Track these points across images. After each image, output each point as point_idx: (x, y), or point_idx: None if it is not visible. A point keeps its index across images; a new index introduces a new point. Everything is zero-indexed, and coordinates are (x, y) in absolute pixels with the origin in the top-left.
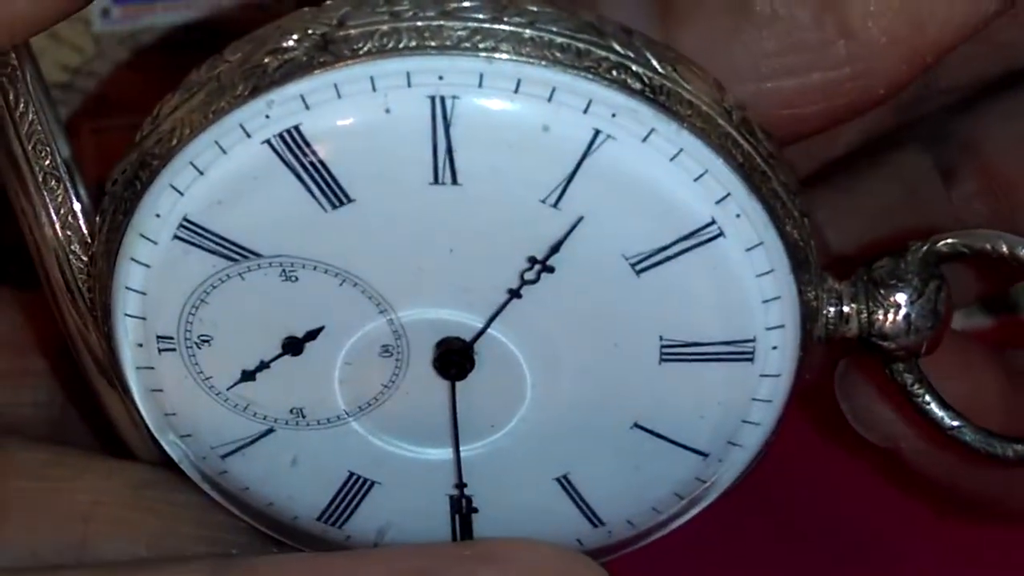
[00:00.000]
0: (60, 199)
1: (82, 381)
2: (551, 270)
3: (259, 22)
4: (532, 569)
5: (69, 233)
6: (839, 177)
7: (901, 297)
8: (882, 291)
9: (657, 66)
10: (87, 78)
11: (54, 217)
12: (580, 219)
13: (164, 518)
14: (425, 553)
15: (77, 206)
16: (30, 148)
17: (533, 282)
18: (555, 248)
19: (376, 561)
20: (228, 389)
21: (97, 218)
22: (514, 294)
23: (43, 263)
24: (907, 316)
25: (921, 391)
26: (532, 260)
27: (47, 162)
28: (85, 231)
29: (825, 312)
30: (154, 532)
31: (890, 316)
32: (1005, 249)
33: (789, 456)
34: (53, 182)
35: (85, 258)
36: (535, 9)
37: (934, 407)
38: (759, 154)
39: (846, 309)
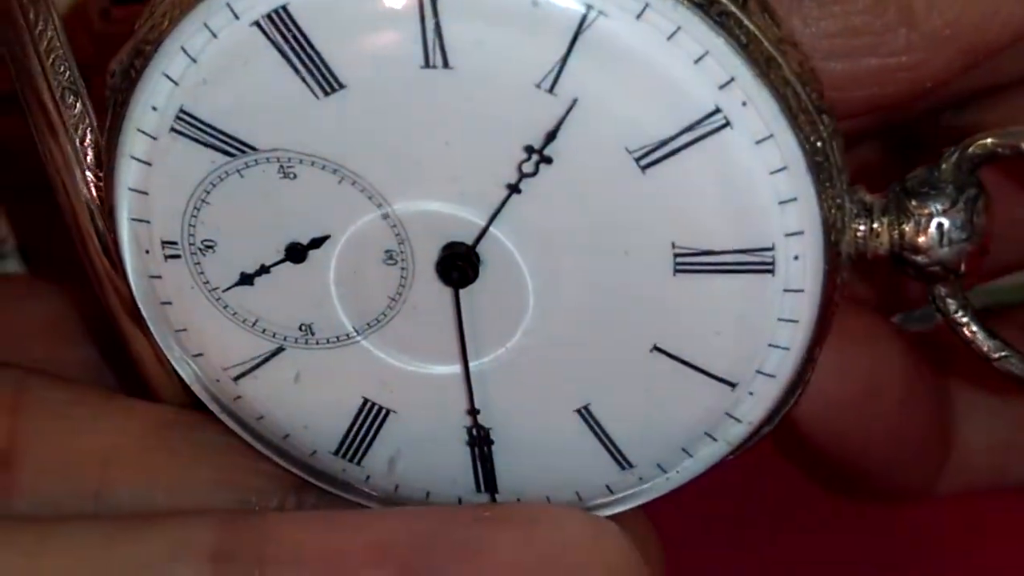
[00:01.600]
0: (78, 114)
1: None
2: (549, 161)
3: None
4: (558, 537)
5: (89, 150)
6: None
7: (934, 206)
8: (914, 202)
9: None
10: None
11: (74, 136)
12: (575, 101)
13: (183, 461)
14: (443, 515)
15: (94, 120)
16: (48, 63)
17: (532, 175)
18: (551, 135)
19: (391, 519)
20: (226, 291)
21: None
22: (513, 189)
23: (65, 191)
24: (940, 226)
25: (966, 319)
26: (529, 149)
27: (66, 76)
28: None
29: (854, 226)
30: (172, 477)
31: (922, 227)
32: None
33: None
34: (71, 97)
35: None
36: None
37: (980, 337)
38: (767, 38)
39: (876, 225)
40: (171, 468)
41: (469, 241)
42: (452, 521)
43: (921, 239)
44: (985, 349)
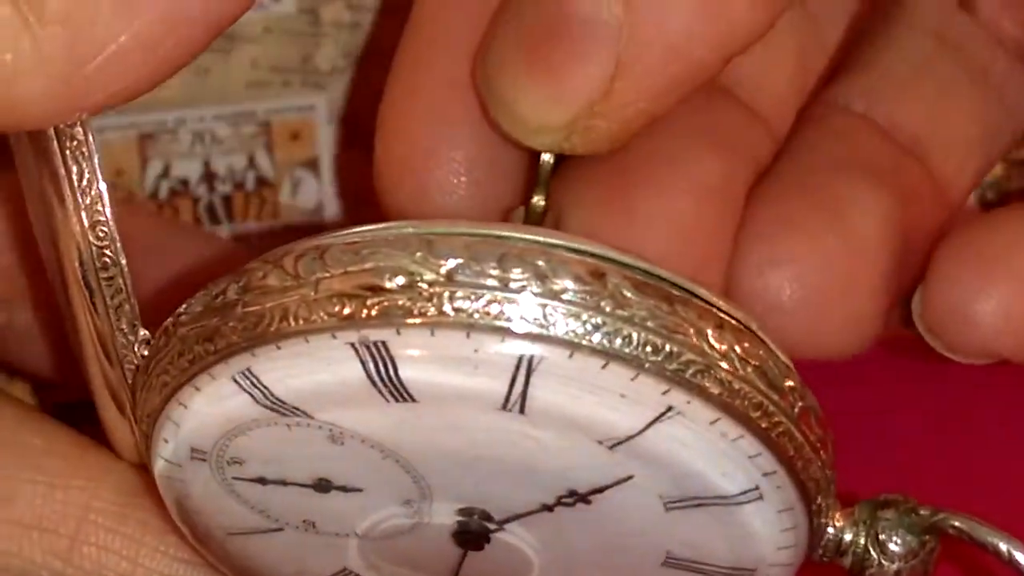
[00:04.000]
0: (116, 281)
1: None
2: (588, 502)
3: (258, 24)
4: None
5: (119, 314)
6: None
7: (897, 551)
8: (881, 539)
9: (737, 367)
10: None
11: (108, 302)
12: (630, 477)
13: (152, 537)
14: None
15: (129, 287)
16: (88, 229)
17: (568, 506)
18: (599, 490)
19: None
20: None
21: (160, 336)
22: (545, 508)
23: (86, 334)
24: (898, 572)
25: None
26: (572, 492)
27: (105, 243)
28: (135, 313)
29: (825, 541)
30: (141, 554)
31: (883, 565)
32: (1005, 550)
33: None
34: (108, 261)
35: (132, 337)
36: (637, 300)
37: None
38: (808, 442)
39: (846, 539)
40: (142, 541)
41: (488, 523)
42: None
43: (880, 575)
44: None
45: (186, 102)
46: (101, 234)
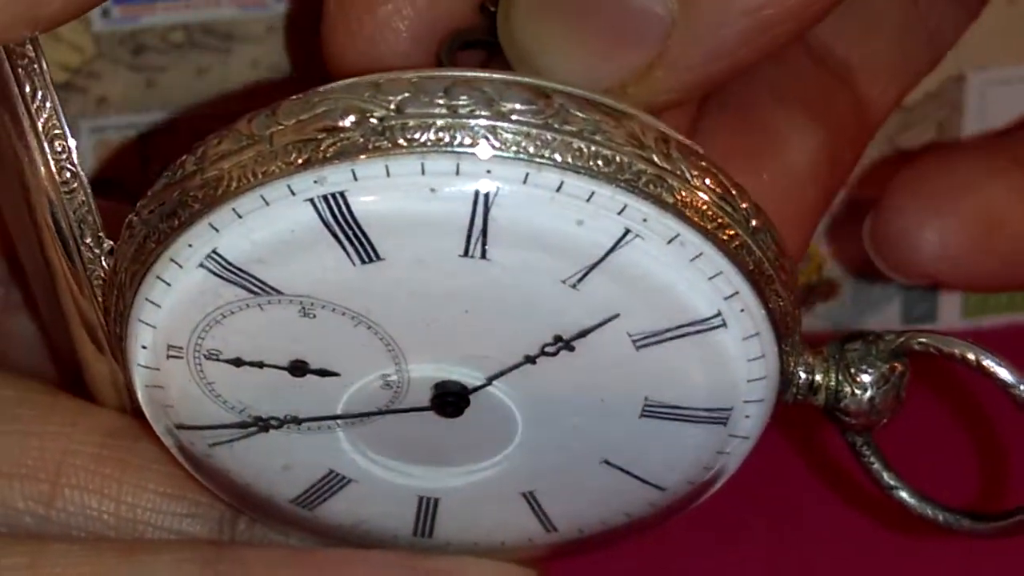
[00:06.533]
0: (77, 196)
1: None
2: (572, 349)
3: (258, 24)
4: None
5: (83, 227)
6: None
7: (868, 379)
8: (852, 371)
9: (689, 178)
10: (87, 78)
11: (70, 215)
12: (616, 316)
13: (132, 472)
14: (401, 569)
15: (90, 195)
16: (46, 143)
17: (551, 355)
18: (584, 333)
19: (359, 569)
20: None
21: (124, 231)
22: (529, 360)
23: (52, 252)
24: (871, 398)
25: (868, 452)
26: (558, 338)
27: (63, 156)
28: (99, 224)
29: (797, 382)
30: (123, 489)
31: (856, 395)
32: (973, 358)
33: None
34: (68, 175)
35: (97, 250)
36: (583, 116)
37: (876, 466)
38: (767, 258)
39: (817, 378)
40: (122, 479)
41: (467, 384)
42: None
43: (854, 406)
44: (883, 480)
45: (186, 102)
46: (59, 148)
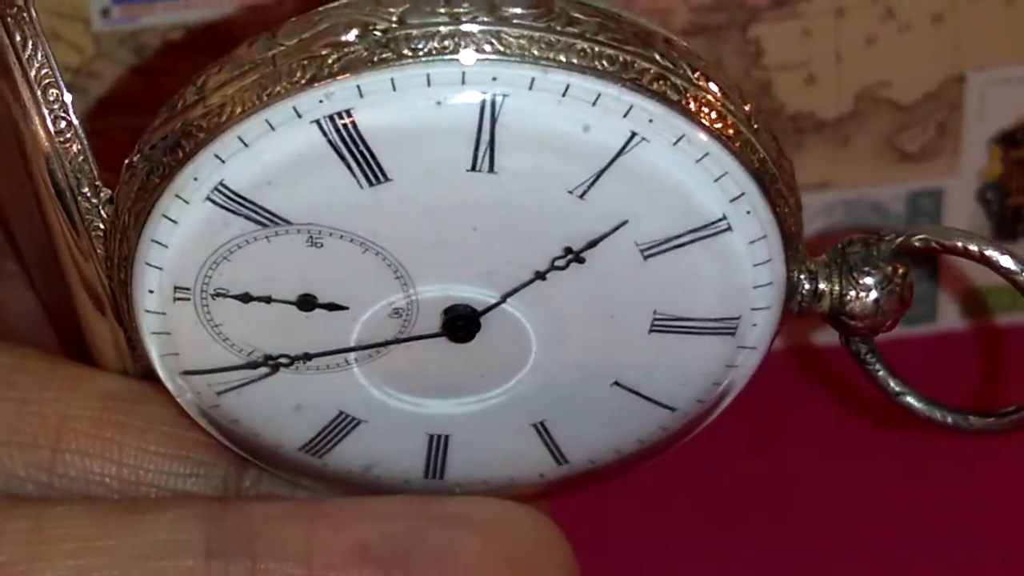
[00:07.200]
0: (72, 145)
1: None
2: (582, 261)
3: (258, 24)
4: (515, 539)
5: (79, 176)
6: None
7: (872, 281)
8: (855, 274)
9: (692, 76)
10: (87, 78)
11: (66, 165)
12: (625, 222)
13: (134, 434)
14: (416, 514)
15: (86, 145)
16: (39, 93)
17: (562, 268)
18: (593, 243)
19: (369, 517)
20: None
21: (124, 172)
22: (539, 276)
23: (49, 207)
24: (876, 300)
25: (873, 360)
26: (568, 250)
27: (57, 106)
28: (96, 173)
29: (801, 289)
30: (125, 451)
31: (860, 298)
32: (975, 248)
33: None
34: (63, 124)
35: (95, 200)
36: (585, 19)
37: (882, 373)
38: (770, 157)
39: (821, 286)
40: (123, 442)
41: (477, 306)
42: (426, 523)
43: (859, 309)
44: (889, 387)
45: None
46: (52, 97)
